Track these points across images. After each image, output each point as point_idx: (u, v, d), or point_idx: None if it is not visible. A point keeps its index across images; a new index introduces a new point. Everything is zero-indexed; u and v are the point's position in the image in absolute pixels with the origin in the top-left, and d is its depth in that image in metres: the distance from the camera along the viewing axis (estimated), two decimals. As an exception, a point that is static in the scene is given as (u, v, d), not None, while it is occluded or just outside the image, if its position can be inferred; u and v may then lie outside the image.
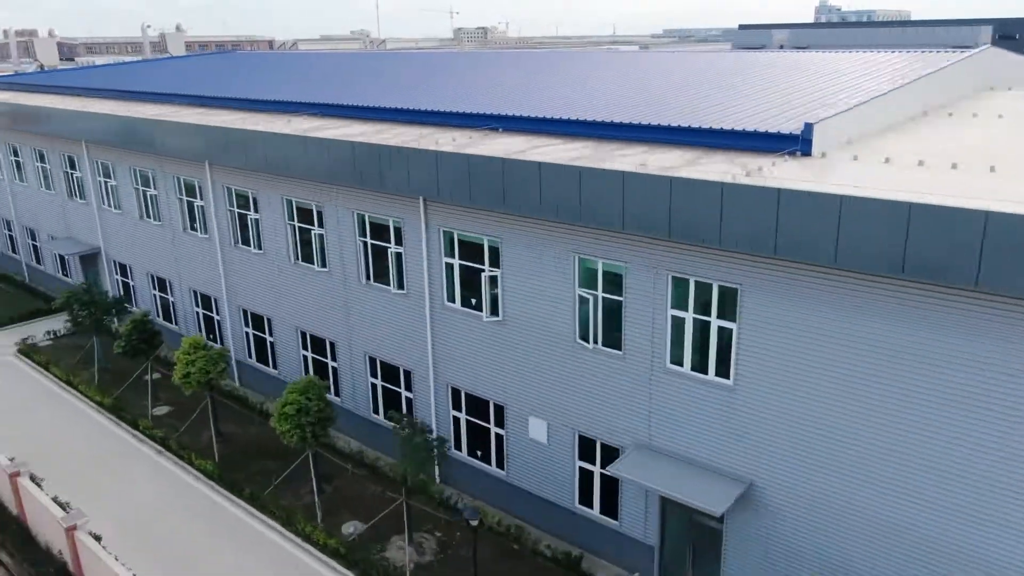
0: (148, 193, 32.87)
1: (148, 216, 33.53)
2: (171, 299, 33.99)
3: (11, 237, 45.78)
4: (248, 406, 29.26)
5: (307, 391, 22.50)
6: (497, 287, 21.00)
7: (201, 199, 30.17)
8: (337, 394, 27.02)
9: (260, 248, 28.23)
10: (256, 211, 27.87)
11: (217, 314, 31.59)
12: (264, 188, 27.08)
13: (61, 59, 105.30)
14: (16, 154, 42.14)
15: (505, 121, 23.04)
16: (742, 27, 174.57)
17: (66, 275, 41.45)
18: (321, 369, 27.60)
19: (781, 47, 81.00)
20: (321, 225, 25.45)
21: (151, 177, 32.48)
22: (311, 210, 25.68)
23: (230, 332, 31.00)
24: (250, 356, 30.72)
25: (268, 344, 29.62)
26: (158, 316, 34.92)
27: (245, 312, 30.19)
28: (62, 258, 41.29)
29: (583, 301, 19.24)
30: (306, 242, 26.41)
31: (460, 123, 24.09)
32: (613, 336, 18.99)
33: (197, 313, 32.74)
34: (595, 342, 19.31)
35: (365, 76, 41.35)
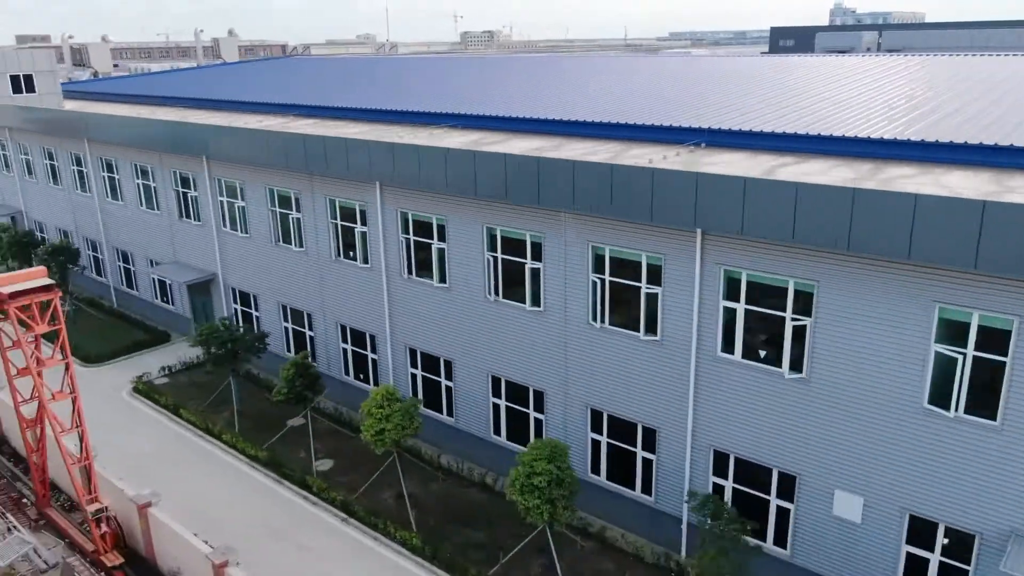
0: (290, 216, 29.42)
1: (287, 241, 30.06)
2: (310, 334, 30.52)
3: (97, 259, 42.28)
4: (422, 459, 25.83)
5: (555, 458, 19.13)
6: (805, 338, 17.63)
7: (363, 224, 26.74)
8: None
9: (443, 281, 24.82)
10: (441, 239, 24.47)
11: (375, 353, 28.14)
12: (455, 213, 23.69)
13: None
14: (112, 170, 38.67)
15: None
16: (775, 30, 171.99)
17: (167, 302, 37.99)
18: (519, 425, 24.16)
19: (868, 50, 78.01)
20: (538, 259, 22.06)
21: (294, 199, 29.05)
22: (524, 241, 22.30)
23: (391, 374, 27.56)
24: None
25: (444, 389, 26.17)
26: (289, 352, 31.48)
27: (414, 352, 26.76)
28: (162, 284, 37.84)
29: (945, 361, 15.87)
30: (511, 275, 23.02)
31: (662, 138, 23.11)
32: (982, 401, 15.64)
33: (345, 351, 29.28)
34: (957, 409, 15.94)
35: (467, 82, 38.43)
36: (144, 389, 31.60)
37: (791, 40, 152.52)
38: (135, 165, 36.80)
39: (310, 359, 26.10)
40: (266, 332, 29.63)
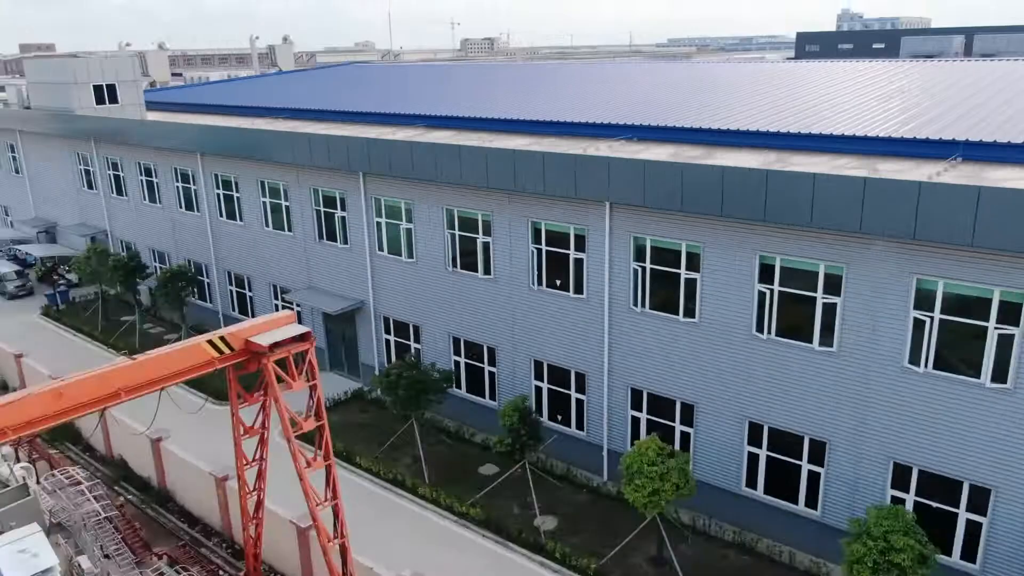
0: (479, 241, 26.43)
1: (469, 268, 27.05)
2: (491, 370, 27.50)
3: (201, 283, 39.09)
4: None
5: (911, 529, 16.24)
6: None
7: (580, 251, 23.79)
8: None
9: (691, 316, 21.87)
10: (691, 269, 21.54)
11: (582, 393, 25.15)
12: (715, 238, 20.79)
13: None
14: (230, 187, 35.56)
15: None
16: (801, 35, 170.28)
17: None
18: (782, 477, 21.20)
19: (956, 54, 75.75)
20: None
21: (481, 221, 26.08)
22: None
23: (605, 418, 24.57)
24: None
25: (681, 435, 23.21)
26: (458, 390, 28.47)
27: (638, 393, 23.79)
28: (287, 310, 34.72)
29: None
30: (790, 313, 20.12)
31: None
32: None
33: (539, 389, 26.25)
34: None
35: (589, 90, 35.68)
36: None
37: (816, 45, 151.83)
38: (263, 183, 33.72)
39: (527, 402, 23.05)
40: (448, 371, 26.57)
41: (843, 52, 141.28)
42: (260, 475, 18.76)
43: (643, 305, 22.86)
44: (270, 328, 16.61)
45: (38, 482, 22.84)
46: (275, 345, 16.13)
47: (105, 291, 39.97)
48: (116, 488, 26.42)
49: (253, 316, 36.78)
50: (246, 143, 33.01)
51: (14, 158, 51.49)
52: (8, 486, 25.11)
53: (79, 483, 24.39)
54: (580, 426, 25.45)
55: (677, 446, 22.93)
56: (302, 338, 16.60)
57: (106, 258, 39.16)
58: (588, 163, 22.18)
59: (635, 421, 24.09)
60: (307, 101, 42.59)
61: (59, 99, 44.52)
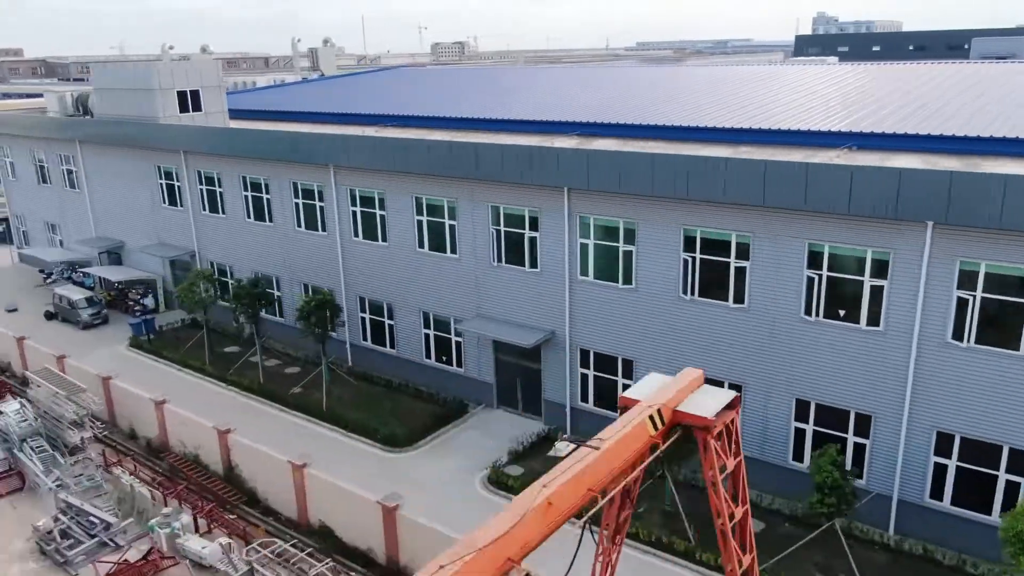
0: (730, 265, 23.39)
1: (718, 296, 23.98)
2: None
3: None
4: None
5: None
6: None
7: (886, 278, 20.95)
8: None
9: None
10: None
11: (864, 437, 22.22)
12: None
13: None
14: (370, 204, 31.93)
15: None
16: (800, 38, 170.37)
17: (447, 363, 31.39)
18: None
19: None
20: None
21: (734, 243, 23.07)
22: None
23: (898, 460, 21.71)
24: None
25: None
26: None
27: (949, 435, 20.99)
28: (443, 342, 31.27)
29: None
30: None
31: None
32: None
33: (801, 432, 23.30)
34: None
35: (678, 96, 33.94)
36: (499, 479, 25.15)
37: (817, 47, 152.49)
38: (419, 200, 30.21)
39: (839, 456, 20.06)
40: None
41: (842, 54, 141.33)
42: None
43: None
44: (683, 392, 13.37)
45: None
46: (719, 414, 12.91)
47: (208, 319, 36.00)
48: (338, 565, 22.71)
49: (393, 347, 33.20)
50: (398, 156, 29.47)
51: (69, 172, 46.87)
52: (213, 567, 21.43)
53: (290, 558, 20.91)
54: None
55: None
56: (730, 404, 13.39)
57: (213, 282, 35.29)
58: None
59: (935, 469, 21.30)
60: (411, 107, 39.08)
61: (139, 107, 40.29)
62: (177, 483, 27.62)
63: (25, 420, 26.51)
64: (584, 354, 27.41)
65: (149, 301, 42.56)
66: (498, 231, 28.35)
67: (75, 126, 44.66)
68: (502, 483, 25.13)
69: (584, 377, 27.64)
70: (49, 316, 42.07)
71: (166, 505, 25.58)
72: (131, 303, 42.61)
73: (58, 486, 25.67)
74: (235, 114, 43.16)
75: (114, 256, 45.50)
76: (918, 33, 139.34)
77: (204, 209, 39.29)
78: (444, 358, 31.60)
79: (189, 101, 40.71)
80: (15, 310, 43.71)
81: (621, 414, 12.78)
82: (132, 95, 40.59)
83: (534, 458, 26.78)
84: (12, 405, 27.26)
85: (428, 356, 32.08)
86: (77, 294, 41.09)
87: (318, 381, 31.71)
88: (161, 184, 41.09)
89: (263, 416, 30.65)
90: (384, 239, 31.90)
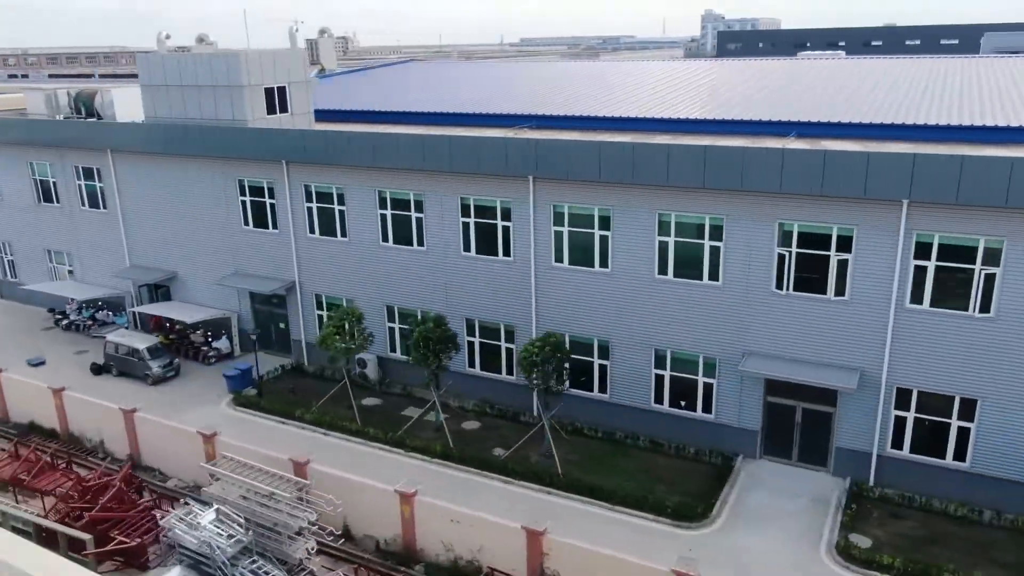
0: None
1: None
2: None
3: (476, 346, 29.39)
4: None
5: None
6: None
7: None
8: None
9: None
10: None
11: None
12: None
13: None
14: (587, 223, 26.40)
15: None
16: (722, 34, 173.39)
17: (685, 408, 26.47)
18: None
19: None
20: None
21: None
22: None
23: None
24: None
25: None
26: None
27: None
28: (675, 382, 26.33)
29: None
30: None
31: None
32: None
33: None
34: None
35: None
36: (848, 550, 20.77)
37: (739, 43, 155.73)
38: (664, 218, 25.12)
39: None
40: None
41: (763, 51, 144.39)
42: None
43: None
44: None
45: None
46: None
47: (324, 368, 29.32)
48: None
49: (604, 391, 27.85)
50: (647, 163, 24.38)
51: (91, 188, 38.01)
52: None
53: None
54: None
55: None
56: None
57: (359, 324, 28.75)
58: None
59: None
60: (596, 108, 33.68)
61: (218, 107, 32.70)
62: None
63: (232, 536, 19.38)
64: (900, 393, 23.39)
65: (223, 344, 34.91)
66: (787, 253, 23.86)
67: (104, 134, 36.05)
68: (852, 555, 20.74)
69: (900, 420, 23.62)
70: (97, 370, 33.53)
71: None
72: (199, 347, 34.84)
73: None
74: (330, 116, 36.17)
75: (162, 289, 37.26)
76: (834, 31, 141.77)
77: (312, 231, 32.26)
78: (683, 403, 26.70)
79: (276, 100, 33.53)
80: (42, 363, 34.74)
81: None
82: (208, 93, 32.88)
83: (865, 522, 22.55)
84: (208, 515, 19.97)
85: (659, 401, 27.06)
86: (142, 342, 32.84)
87: (514, 437, 25.98)
88: (244, 201, 33.55)
89: (483, 491, 24.61)
90: (605, 264, 26.59)
